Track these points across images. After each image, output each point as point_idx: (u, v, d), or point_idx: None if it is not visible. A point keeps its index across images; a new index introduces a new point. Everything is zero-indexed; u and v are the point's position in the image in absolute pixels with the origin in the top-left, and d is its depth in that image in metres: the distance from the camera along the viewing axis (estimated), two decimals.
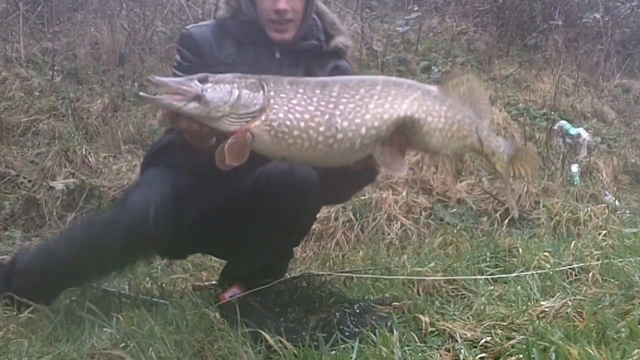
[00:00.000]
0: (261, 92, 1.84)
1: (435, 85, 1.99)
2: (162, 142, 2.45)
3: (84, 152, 4.47)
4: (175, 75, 2.23)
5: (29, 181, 4.27)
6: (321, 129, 1.83)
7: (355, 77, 1.99)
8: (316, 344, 1.81)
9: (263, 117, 1.82)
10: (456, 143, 1.97)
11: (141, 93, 1.87)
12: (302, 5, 2.36)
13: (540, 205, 4.25)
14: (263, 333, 1.84)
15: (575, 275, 2.56)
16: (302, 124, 1.82)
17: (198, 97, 1.78)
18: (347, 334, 1.90)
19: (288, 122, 1.82)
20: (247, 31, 2.39)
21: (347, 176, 2.11)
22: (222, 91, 1.80)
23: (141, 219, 2.16)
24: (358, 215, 3.84)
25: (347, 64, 2.57)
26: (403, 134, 1.90)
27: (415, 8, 7.33)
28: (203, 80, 1.81)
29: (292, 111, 1.83)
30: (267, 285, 2.26)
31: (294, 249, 2.75)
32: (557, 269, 2.56)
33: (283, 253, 2.53)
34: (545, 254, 2.80)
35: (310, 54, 2.45)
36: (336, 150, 1.84)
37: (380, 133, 1.86)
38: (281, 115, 1.82)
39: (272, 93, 1.84)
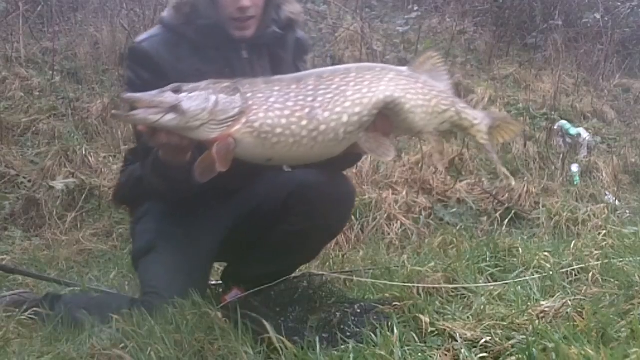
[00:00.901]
0: (238, 94, 1.80)
1: (404, 67, 2.00)
2: (132, 177, 2.36)
3: (84, 152, 4.47)
4: None
5: (29, 181, 4.27)
6: (303, 122, 1.81)
7: (327, 68, 1.98)
8: (316, 344, 1.81)
9: (244, 120, 1.78)
10: (437, 118, 1.97)
11: (114, 111, 1.84)
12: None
13: (540, 205, 4.25)
14: (261, 335, 1.83)
15: (575, 275, 2.56)
16: (284, 121, 1.80)
17: (174, 108, 1.73)
18: (347, 333, 1.90)
19: (269, 121, 1.80)
20: (210, 35, 2.24)
21: (332, 165, 2.08)
22: (198, 99, 1.76)
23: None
24: (358, 215, 3.83)
25: (305, 35, 2.51)
26: (386, 118, 1.89)
27: (415, 8, 7.33)
28: (177, 90, 1.76)
29: (272, 109, 1.81)
30: (268, 285, 2.26)
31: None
32: (557, 270, 2.56)
33: (305, 260, 2.55)
34: (545, 253, 2.79)
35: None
36: (321, 142, 1.83)
37: (363, 118, 1.85)
38: (261, 115, 1.80)
39: (249, 94, 1.81)
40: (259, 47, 2.32)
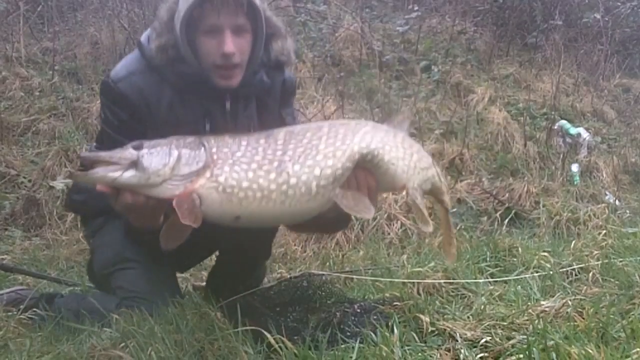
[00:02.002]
0: (202, 149, 1.71)
1: (382, 123, 1.92)
2: (92, 203, 2.32)
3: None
4: (107, 132, 2.16)
5: (29, 181, 4.28)
6: (272, 176, 1.69)
7: (298, 125, 1.91)
8: (317, 344, 1.80)
9: (208, 174, 1.68)
10: (420, 175, 1.89)
11: (72, 171, 1.79)
12: (248, 45, 2.09)
13: (540, 205, 4.25)
14: (261, 335, 1.83)
15: (575, 275, 2.56)
16: (251, 174, 1.69)
17: (134, 164, 1.63)
18: (347, 333, 1.90)
19: (235, 175, 1.68)
20: (192, 84, 2.12)
21: (319, 224, 1.94)
22: (159, 154, 1.66)
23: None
24: None
25: (292, 75, 2.38)
26: (368, 172, 1.80)
27: (415, 8, 7.33)
28: (138, 147, 1.67)
29: (238, 163, 1.70)
30: (267, 286, 2.27)
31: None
32: (557, 270, 2.56)
33: (266, 259, 2.57)
34: (545, 253, 2.80)
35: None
36: (292, 197, 1.70)
37: (337, 171, 1.74)
38: (226, 168, 1.69)
39: (214, 149, 1.72)
40: (245, 97, 2.21)
